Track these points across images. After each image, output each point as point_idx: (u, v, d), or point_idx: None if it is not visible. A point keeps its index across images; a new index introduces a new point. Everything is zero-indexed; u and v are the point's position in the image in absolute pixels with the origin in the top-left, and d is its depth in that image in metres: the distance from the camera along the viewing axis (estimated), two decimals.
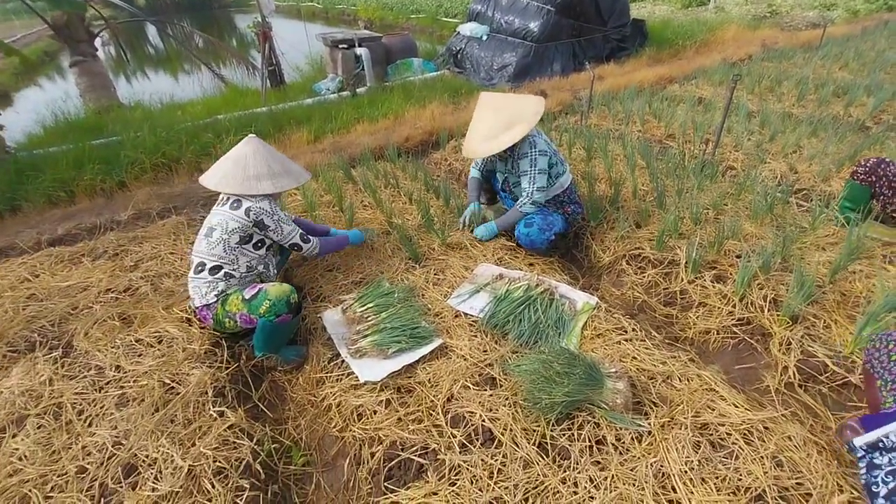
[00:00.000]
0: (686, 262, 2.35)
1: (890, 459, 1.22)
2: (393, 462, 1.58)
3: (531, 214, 2.52)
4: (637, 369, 1.81)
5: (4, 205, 3.68)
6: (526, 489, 1.44)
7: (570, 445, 1.55)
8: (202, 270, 1.98)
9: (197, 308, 2.02)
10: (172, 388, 1.85)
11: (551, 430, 1.59)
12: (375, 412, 1.74)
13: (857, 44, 7.22)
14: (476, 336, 2.04)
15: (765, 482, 1.38)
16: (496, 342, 2.02)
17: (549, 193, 2.56)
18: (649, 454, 1.50)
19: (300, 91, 6.73)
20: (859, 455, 1.28)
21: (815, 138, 3.83)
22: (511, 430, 1.60)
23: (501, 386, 1.78)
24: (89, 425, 1.71)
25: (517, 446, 1.55)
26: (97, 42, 7.01)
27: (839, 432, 1.55)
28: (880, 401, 1.38)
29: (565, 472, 1.48)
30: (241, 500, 1.48)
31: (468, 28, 7.69)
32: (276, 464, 1.71)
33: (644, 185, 3.19)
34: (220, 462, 1.57)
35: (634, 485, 1.42)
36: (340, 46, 6.75)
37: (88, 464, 1.57)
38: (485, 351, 1.95)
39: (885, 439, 1.24)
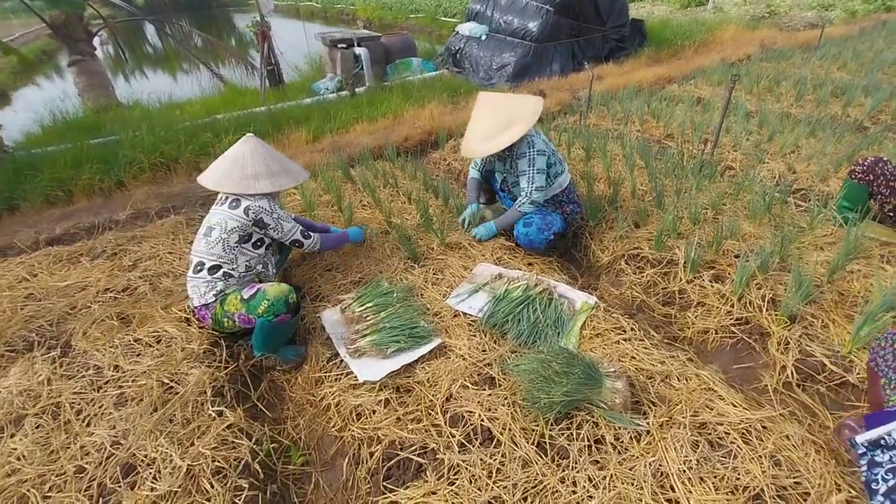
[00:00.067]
0: (685, 262, 2.36)
1: (891, 457, 1.22)
2: (392, 461, 1.58)
3: (530, 214, 2.52)
4: (636, 369, 1.82)
5: (2, 204, 3.67)
6: (525, 488, 1.44)
7: (568, 445, 1.55)
8: (201, 270, 1.98)
9: (196, 308, 2.01)
10: (171, 387, 1.85)
11: (550, 430, 1.59)
12: (374, 412, 1.74)
13: (856, 44, 7.23)
14: (475, 336, 2.04)
15: (763, 481, 1.39)
16: (495, 342, 2.02)
17: (547, 193, 2.56)
18: (648, 453, 1.51)
19: (299, 91, 6.73)
20: (860, 452, 1.28)
21: (813, 138, 3.84)
22: (510, 429, 1.60)
23: (500, 385, 1.79)
24: (88, 425, 1.71)
25: (516, 446, 1.55)
26: (95, 41, 6.99)
27: (837, 431, 1.56)
28: (883, 399, 1.38)
29: (564, 471, 1.48)
30: (239, 499, 1.48)
31: (467, 28, 7.69)
32: (275, 463, 1.71)
33: (643, 185, 3.19)
34: (218, 462, 1.57)
35: (633, 484, 1.42)
36: (339, 46, 6.74)
37: (87, 463, 1.57)
38: (484, 350, 1.96)
39: (887, 437, 1.24)
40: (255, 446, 1.68)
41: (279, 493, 1.63)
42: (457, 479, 1.48)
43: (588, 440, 1.56)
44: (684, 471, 1.44)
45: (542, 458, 1.52)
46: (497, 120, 2.42)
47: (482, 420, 1.64)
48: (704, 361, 1.95)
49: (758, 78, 5.62)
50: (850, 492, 1.37)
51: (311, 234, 2.24)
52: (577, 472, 1.47)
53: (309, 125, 4.99)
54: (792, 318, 1.99)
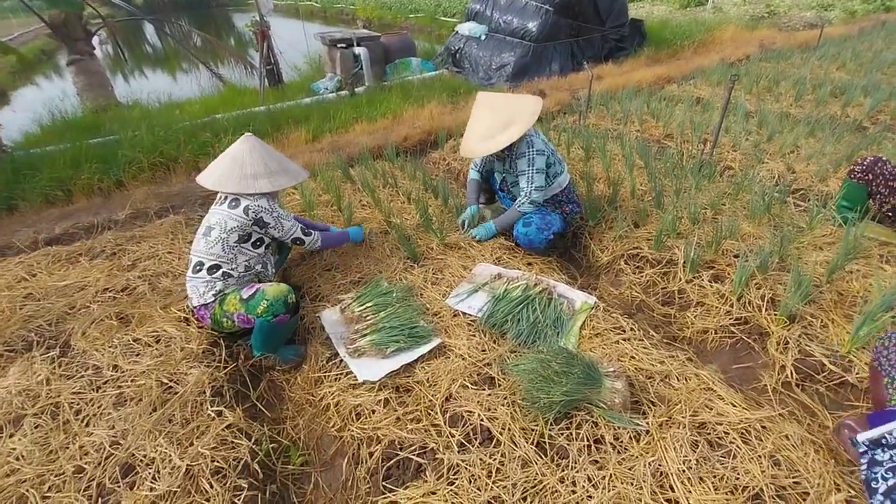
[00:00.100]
0: (684, 262, 2.36)
1: (891, 456, 1.23)
2: (391, 461, 1.58)
3: (529, 214, 2.52)
4: (635, 368, 1.82)
5: (1, 204, 3.66)
6: (524, 488, 1.44)
7: (568, 445, 1.55)
8: (200, 270, 1.98)
9: (195, 308, 2.01)
10: (170, 387, 1.85)
11: (549, 430, 1.59)
12: (374, 412, 1.74)
13: (855, 44, 7.24)
14: (474, 335, 2.04)
15: (762, 481, 1.39)
16: (494, 342, 2.02)
17: (547, 193, 2.56)
18: (647, 453, 1.51)
19: (298, 90, 6.73)
20: (861, 450, 1.29)
21: (812, 138, 3.84)
22: (509, 429, 1.60)
23: (500, 385, 1.78)
24: (87, 425, 1.71)
25: (515, 445, 1.55)
26: (95, 41, 6.99)
27: (837, 431, 1.56)
28: (886, 398, 1.39)
29: (563, 471, 1.48)
30: (239, 499, 1.48)
31: (467, 27, 7.69)
32: (275, 463, 1.71)
33: (642, 185, 3.19)
34: (218, 462, 1.57)
35: (632, 484, 1.42)
36: (339, 46, 6.74)
37: (86, 463, 1.56)
38: (483, 350, 1.96)
39: (888, 436, 1.25)
40: (254, 446, 1.68)
41: (278, 493, 1.63)
42: (456, 478, 1.48)
43: (587, 440, 1.56)
44: (684, 470, 1.44)
45: (541, 457, 1.52)
46: (496, 120, 2.42)
47: (482, 420, 1.64)
48: (704, 361, 1.95)
49: (757, 78, 5.63)
50: (849, 491, 1.37)
51: (312, 231, 2.25)
52: (577, 471, 1.47)
53: (308, 125, 4.99)
54: (791, 318, 1.99)
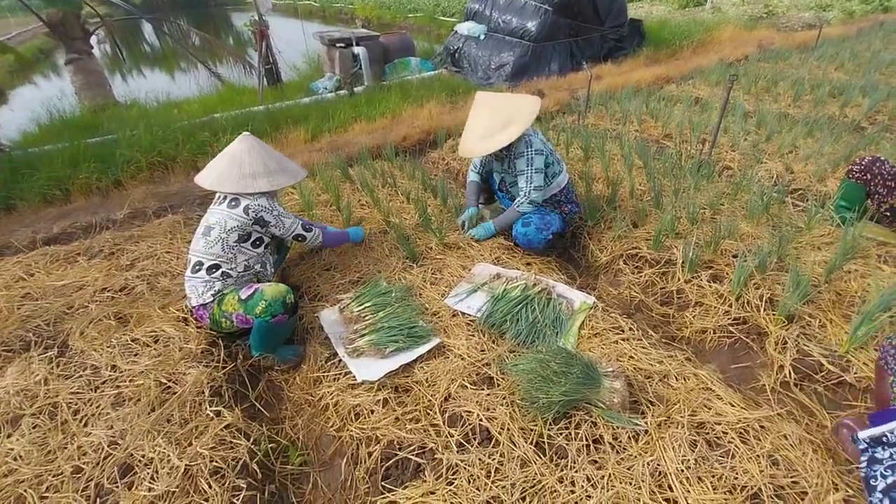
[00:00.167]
0: (683, 262, 2.36)
1: (891, 454, 1.23)
2: (390, 461, 1.58)
3: (528, 214, 2.52)
4: (634, 368, 1.82)
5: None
6: (523, 488, 1.44)
7: (567, 444, 1.55)
8: (199, 269, 1.97)
9: (193, 307, 2.01)
10: (169, 387, 1.85)
11: (548, 430, 1.59)
12: (373, 411, 1.74)
13: (853, 44, 7.26)
14: (473, 335, 2.04)
15: (760, 481, 1.39)
16: (494, 342, 2.02)
17: (546, 193, 2.56)
18: (646, 453, 1.51)
19: (297, 90, 6.72)
20: (861, 448, 1.29)
21: (810, 138, 3.85)
22: (508, 429, 1.60)
23: (499, 385, 1.79)
24: (85, 425, 1.70)
25: (514, 445, 1.55)
26: (93, 40, 6.97)
27: (835, 431, 1.56)
28: (890, 397, 1.39)
29: (562, 471, 1.48)
30: (237, 499, 1.48)
31: (466, 27, 7.69)
32: (274, 463, 1.71)
33: (641, 185, 3.20)
34: (216, 462, 1.57)
35: (631, 483, 1.43)
36: (338, 45, 6.73)
37: (84, 464, 1.56)
38: (482, 350, 1.96)
39: (889, 434, 1.25)
40: (253, 446, 1.68)
41: (277, 493, 1.63)
42: (455, 478, 1.48)
43: (586, 440, 1.56)
44: (682, 470, 1.44)
45: (540, 457, 1.52)
46: (495, 119, 2.42)
47: (481, 420, 1.64)
48: (702, 361, 1.95)
49: (756, 78, 5.64)
50: (847, 491, 1.37)
51: (313, 227, 2.25)
52: (576, 471, 1.47)
53: (307, 124, 4.99)
54: (790, 318, 2.00)
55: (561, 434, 1.59)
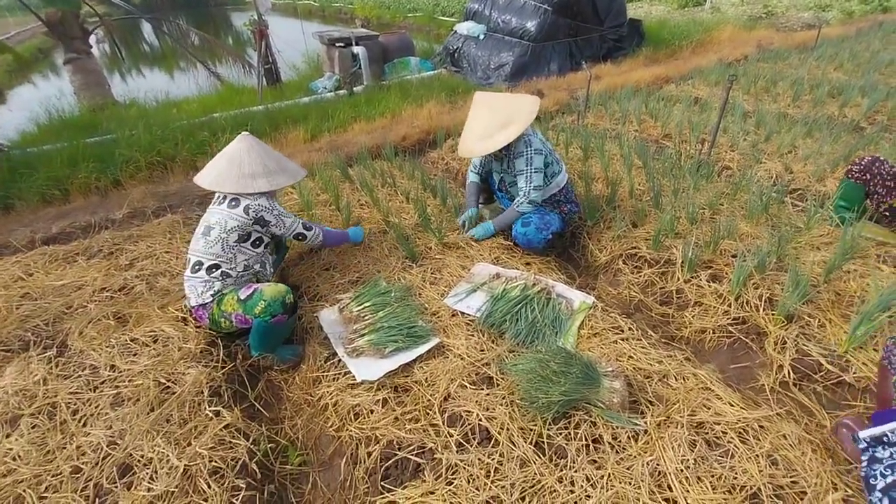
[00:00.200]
0: (682, 262, 2.36)
1: (891, 454, 1.24)
2: (390, 461, 1.57)
3: (528, 214, 2.52)
4: (633, 368, 1.82)
5: None
6: (523, 488, 1.44)
7: (566, 444, 1.55)
8: (199, 269, 1.97)
9: (193, 307, 2.01)
10: (168, 387, 1.84)
11: (548, 430, 1.59)
12: (372, 411, 1.74)
13: (852, 45, 7.26)
14: (473, 335, 2.04)
15: (760, 480, 1.39)
16: (493, 341, 2.02)
17: (545, 193, 2.56)
18: (645, 453, 1.51)
19: (297, 89, 6.71)
20: (862, 447, 1.30)
21: (810, 138, 3.85)
22: (508, 429, 1.60)
23: (498, 385, 1.78)
24: (84, 425, 1.70)
25: (514, 445, 1.55)
26: (92, 39, 6.97)
27: (835, 431, 1.56)
28: (892, 397, 1.39)
29: (562, 470, 1.48)
30: (237, 499, 1.48)
31: (465, 27, 7.68)
32: (273, 463, 1.71)
33: (640, 185, 3.20)
34: (216, 462, 1.57)
35: (630, 483, 1.43)
36: (337, 45, 6.73)
37: (83, 464, 1.56)
38: (482, 350, 1.95)
39: (890, 434, 1.26)
40: (252, 446, 1.68)
41: (276, 493, 1.63)
42: (455, 478, 1.48)
43: (586, 440, 1.56)
44: (681, 470, 1.44)
45: (539, 457, 1.52)
46: (494, 119, 2.42)
47: (480, 420, 1.64)
48: (702, 361, 1.95)
49: (755, 78, 5.64)
50: (846, 490, 1.37)
51: (313, 225, 2.25)
52: (575, 471, 1.47)
53: (307, 124, 4.98)
54: (789, 318, 2.00)
55: (560, 434, 1.59)
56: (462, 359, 1.91)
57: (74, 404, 1.78)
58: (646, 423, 1.59)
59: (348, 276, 2.47)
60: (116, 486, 1.49)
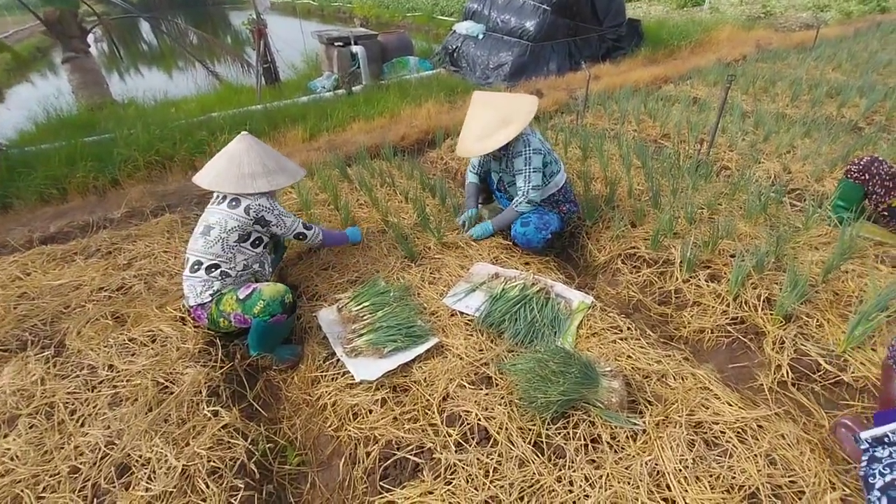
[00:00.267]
0: (681, 262, 2.36)
1: (890, 453, 1.24)
2: (388, 461, 1.57)
3: (527, 214, 2.52)
4: (632, 368, 1.82)
5: None
6: (521, 488, 1.44)
7: (565, 444, 1.55)
8: (198, 269, 1.97)
9: (191, 307, 2.00)
10: (166, 387, 1.84)
11: (547, 429, 1.59)
12: (371, 411, 1.74)
13: (850, 45, 7.27)
14: (472, 335, 2.04)
15: (758, 480, 1.39)
16: (492, 341, 2.02)
17: (544, 193, 2.56)
18: (644, 452, 1.51)
19: (295, 89, 6.70)
20: (863, 447, 1.30)
21: (808, 139, 3.86)
22: (507, 429, 1.60)
23: (497, 385, 1.78)
24: (82, 425, 1.70)
25: (513, 445, 1.55)
26: (90, 38, 6.94)
27: (833, 430, 1.56)
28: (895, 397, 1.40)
29: (561, 470, 1.48)
30: (235, 499, 1.48)
31: (464, 27, 7.68)
32: (271, 463, 1.71)
33: (639, 185, 3.20)
34: (214, 462, 1.56)
35: (629, 483, 1.43)
36: (336, 44, 6.72)
37: (81, 464, 1.56)
38: (480, 350, 1.95)
39: (891, 434, 1.26)
40: (250, 446, 1.68)
41: (275, 493, 1.62)
42: (453, 478, 1.48)
43: (584, 439, 1.56)
44: (680, 470, 1.44)
45: (538, 457, 1.52)
46: (492, 119, 2.42)
47: (479, 420, 1.64)
48: (700, 361, 1.95)
49: (753, 78, 5.65)
50: (844, 490, 1.37)
51: (312, 225, 2.25)
52: (574, 471, 1.47)
53: (305, 123, 4.98)
54: (787, 318, 2.00)
55: (559, 434, 1.59)
56: (461, 358, 1.91)
57: (72, 404, 1.77)
58: (644, 422, 1.59)
59: (347, 275, 2.47)
60: (114, 487, 1.49)
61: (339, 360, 1.96)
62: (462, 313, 2.16)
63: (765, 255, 2.22)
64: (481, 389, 1.76)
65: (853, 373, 1.76)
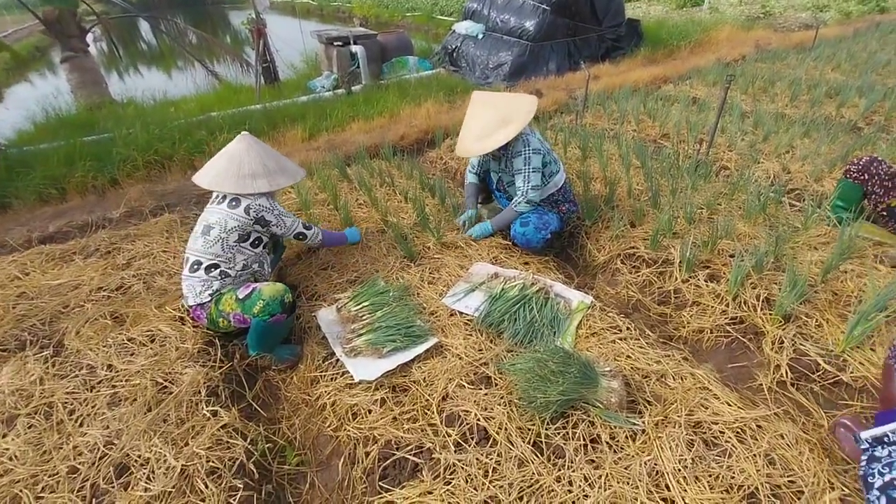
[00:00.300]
0: (680, 262, 2.36)
1: (890, 453, 1.24)
2: (388, 461, 1.57)
3: (527, 213, 2.52)
4: (631, 368, 1.82)
5: None
6: (521, 488, 1.44)
7: (564, 444, 1.55)
8: (198, 269, 1.97)
9: (191, 307, 2.00)
10: (165, 387, 1.84)
11: (546, 429, 1.59)
12: (370, 411, 1.74)
13: (850, 45, 7.28)
14: (471, 335, 2.04)
15: (757, 480, 1.39)
16: (491, 341, 2.02)
17: (543, 192, 2.56)
18: (643, 452, 1.51)
19: (295, 88, 6.70)
20: (863, 447, 1.30)
21: (807, 139, 3.86)
22: (506, 428, 1.60)
23: (496, 385, 1.78)
24: (81, 425, 1.70)
25: (512, 445, 1.55)
26: (89, 38, 6.93)
27: (833, 430, 1.57)
28: None
29: (560, 470, 1.48)
30: (234, 499, 1.48)
31: (464, 26, 7.68)
32: (270, 463, 1.71)
33: (639, 185, 3.20)
34: (213, 462, 1.56)
35: (628, 483, 1.43)
36: (336, 44, 6.72)
37: (80, 464, 1.55)
38: (480, 350, 1.95)
39: (891, 434, 1.26)
40: (249, 446, 1.68)
41: (274, 493, 1.62)
42: (453, 478, 1.48)
43: (584, 439, 1.56)
44: (679, 470, 1.44)
45: (538, 457, 1.52)
46: (492, 119, 2.42)
47: (478, 419, 1.64)
48: (699, 361, 1.95)
49: (753, 78, 5.65)
50: (843, 490, 1.38)
51: (312, 225, 2.25)
52: (573, 471, 1.47)
53: (305, 123, 4.97)
54: (786, 318, 2.00)
55: (558, 434, 1.59)
56: (460, 358, 1.91)
57: (71, 404, 1.77)
58: (644, 422, 1.59)
59: (346, 275, 2.46)
60: (113, 487, 1.49)
61: (338, 360, 1.96)
62: (461, 313, 2.16)
63: (764, 255, 2.22)
64: (480, 389, 1.76)
65: (852, 373, 1.76)
